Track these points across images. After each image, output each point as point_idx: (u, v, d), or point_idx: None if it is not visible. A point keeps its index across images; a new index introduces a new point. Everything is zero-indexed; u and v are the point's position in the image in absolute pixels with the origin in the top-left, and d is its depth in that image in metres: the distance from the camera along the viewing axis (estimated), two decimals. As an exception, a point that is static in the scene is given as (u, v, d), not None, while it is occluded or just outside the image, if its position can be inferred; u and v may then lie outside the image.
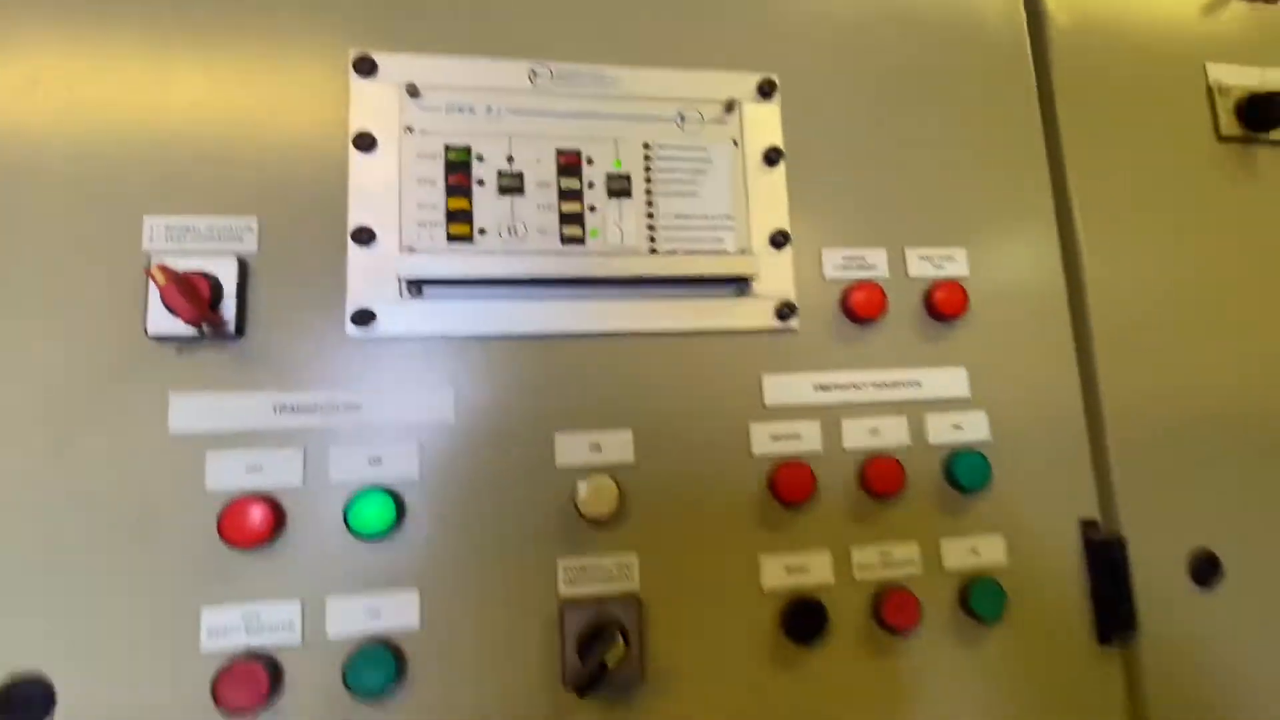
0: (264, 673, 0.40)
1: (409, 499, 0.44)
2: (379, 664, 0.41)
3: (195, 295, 0.40)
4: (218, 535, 0.41)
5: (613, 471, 0.47)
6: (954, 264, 0.55)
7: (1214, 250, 0.62)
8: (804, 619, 0.48)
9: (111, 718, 0.39)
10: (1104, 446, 0.56)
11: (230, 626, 0.41)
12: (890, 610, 0.49)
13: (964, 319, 0.55)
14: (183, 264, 0.42)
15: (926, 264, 0.55)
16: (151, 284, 0.40)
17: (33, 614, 0.40)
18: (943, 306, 0.54)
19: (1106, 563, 0.54)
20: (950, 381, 0.54)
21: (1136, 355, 0.58)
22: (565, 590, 0.46)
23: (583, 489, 0.46)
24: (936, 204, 0.56)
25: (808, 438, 0.51)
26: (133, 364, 0.42)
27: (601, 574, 0.46)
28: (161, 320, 0.41)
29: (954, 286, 0.54)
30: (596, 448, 0.48)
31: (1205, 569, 0.56)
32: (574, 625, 0.45)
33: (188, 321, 0.40)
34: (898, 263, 0.54)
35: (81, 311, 0.42)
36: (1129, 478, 0.56)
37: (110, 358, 0.42)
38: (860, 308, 0.52)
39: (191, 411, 0.42)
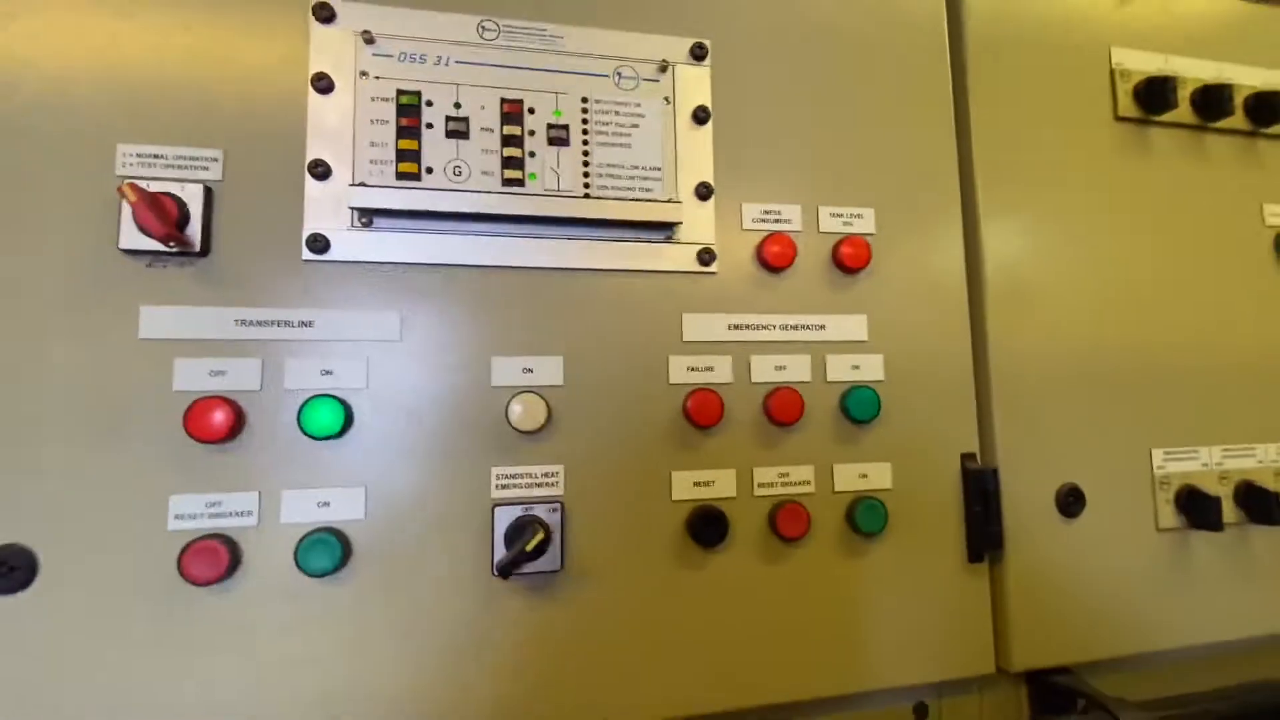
0: (224, 550, 0.46)
1: (357, 407, 0.50)
2: (327, 549, 0.47)
3: (163, 212, 0.44)
4: (184, 431, 0.46)
5: (543, 392, 0.53)
6: (862, 221, 0.61)
7: (1105, 220, 0.68)
8: (707, 525, 0.54)
9: (88, 584, 0.45)
10: (987, 391, 0.63)
11: (195, 512, 0.47)
12: (783, 521, 0.56)
13: (867, 271, 0.61)
14: (153, 188, 0.47)
15: (836, 220, 0.61)
16: (124, 203, 0.45)
17: (19, 494, 0.45)
18: (848, 260, 0.60)
19: (980, 491, 0.61)
20: (852, 327, 0.60)
21: (1023, 313, 0.64)
22: (497, 494, 0.52)
23: (515, 406, 0.52)
24: (850, 166, 0.62)
25: (720, 371, 0.57)
26: (106, 277, 0.47)
27: (530, 481, 0.53)
28: (133, 236, 0.46)
29: (860, 242, 0.60)
30: (529, 370, 0.53)
31: (1071, 501, 0.64)
32: (503, 522, 0.51)
33: (157, 238, 0.45)
34: (810, 218, 0.60)
35: (59, 229, 0.47)
36: (1007, 419, 0.63)
37: (85, 270, 0.47)
38: (773, 257, 0.58)
39: (160, 321, 0.47)
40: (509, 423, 0.52)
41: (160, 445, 0.47)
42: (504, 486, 0.52)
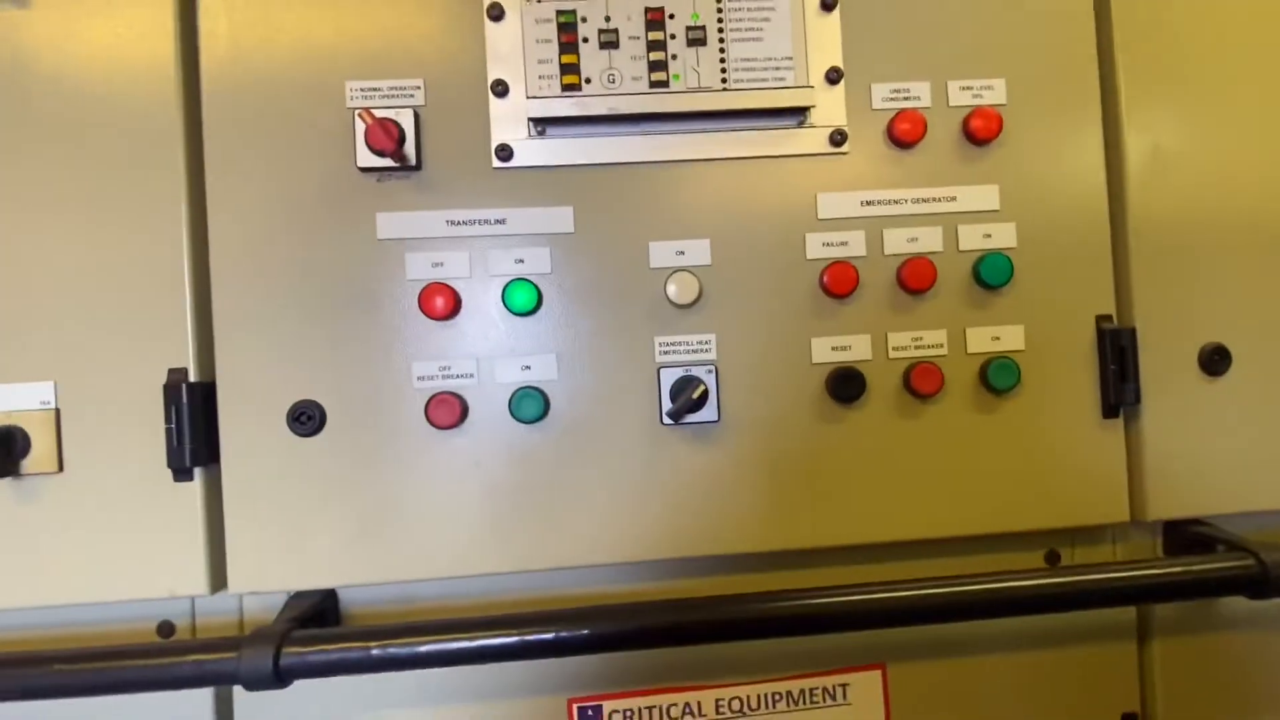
0: (457, 403, 0.58)
1: (545, 289, 0.60)
2: (533, 401, 0.59)
3: (390, 133, 0.55)
4: (419, 310, 0.58)
5: (694, 271, 0.61)
6: (992, 93, 0.63)
7: (1252, 86, 0.65)
8: (845, 383, 0.61)
9: (362, 428, 0.59)
10: (1124, 254, 0.64)
11: (431, 374, 0.59)
12: (918, 379, 0.61)
13: (998, 142, 0.63)
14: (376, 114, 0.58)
15: (966, 93, 0.63)
16: (359, 125, 0.56)
17: (310, 361, 0.59)
18: (979, 132, 0.62)
19: (1116, 349, 0.63)
20: (983, 197, 0.63)
21: (1164, 176, 0.64)
22: (661, 359, 0.61)
23: (671, 285, 0.60)
24: (978, 38, 0.63)
25: (854, 245, 0.62)
26: (349, 191, 0.59)
27: (687, 348, 0.61)
28: (366, 156, 0.58)
29: (990, 113, 0.62)
30: (681, 253, 0.61)
31: (1216, 360, 0.65)
32: (667, 381, 0.60)
33: (387, 155, 0.56)
34: (939, 93, 0.63)
35: (310, 154, 0.59)
36: (1146, 281, 0.64)
37: (333, 186, 0.59)
38: (903, 134, 0.62)
39: (391, 224, 0.59)
40: (667, 299, 0.60)
41: (402, 321, 0.59)
42: (666, 353, 0.61)
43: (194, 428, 0.58)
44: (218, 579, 0.59)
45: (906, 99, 0.63)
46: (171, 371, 0.59)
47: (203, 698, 0.60)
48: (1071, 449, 0.64)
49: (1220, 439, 0.64)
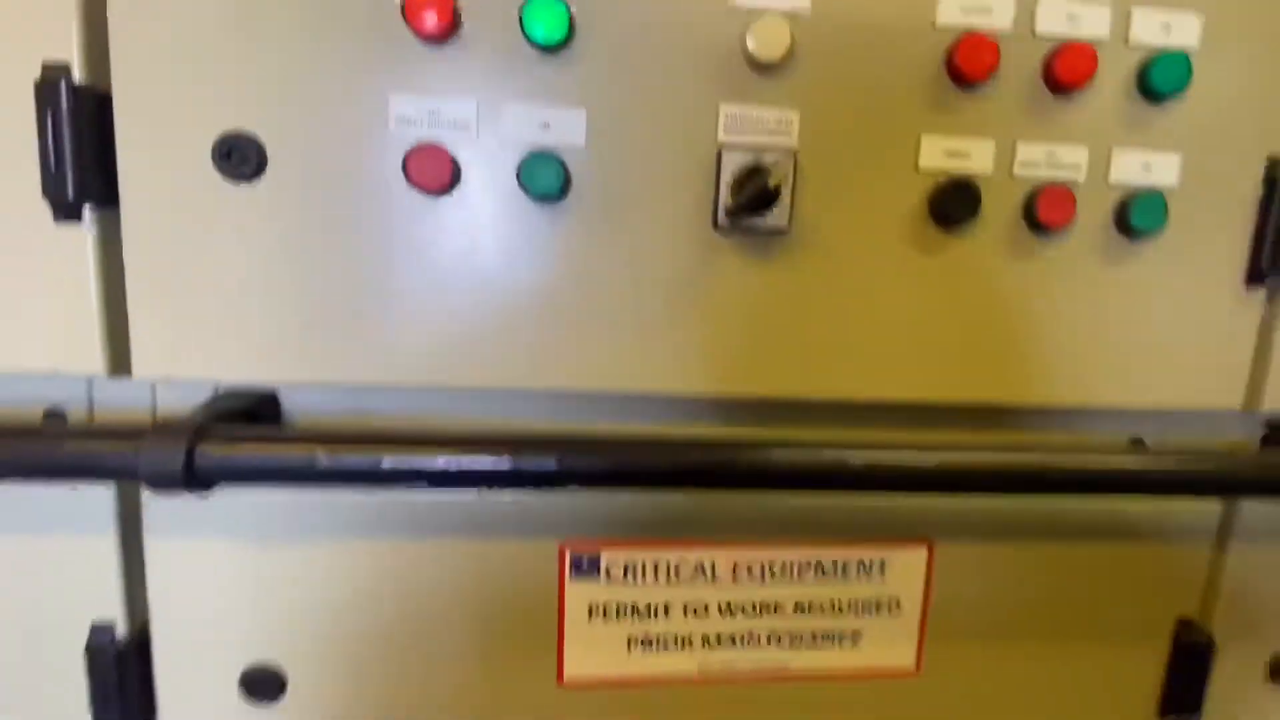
0: (447, 159, 0.43)
1: (581, 12, 0.43)
2: (551, 170, 0.44)
3: None
4: (402, 19, 0.41)
5: (788, 15, 0.45)
6: None
7: None
8: (957, 201, 0.47)
9: (313, 176, 0.44)
10: (1326, 79, 0.50)
11: (415, 117, 0.43)
12: (1045, 204, 0.48)
13: (1215, -108, 0.46)
14: None
15: None
16: None
17: (242, 81, 0.42)
18: None
19: (1285, 201, 0.51)
20: (1175, -27, 0.47)
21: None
22: (724, 137, 0.46)
23: (754, 32, 0.44)
24: None
25: (999, 13, 0.46)
26: None
27: (761, 125, 0.46)
28: None
29: None
30: (772, -9, 0.45)
31: (1386, 234, 0.53)
32: (730, 168, 0.46)
33: None
34: None
35: None
36: (1343, 118, 0.50)
37: None
38: None
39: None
40: (744, 52, 0.44)
41: (378, 31, 0.42)
42: (732, 129, 0.46)
43: (79, 147, 0.42)
44: (118, 359, 0.46)
45: None
46: (47, 67, 0.42)
47: (102, 500, 0.48)
48: (1201, 317, 0.52)
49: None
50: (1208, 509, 0.56)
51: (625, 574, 0.51)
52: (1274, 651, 0.59)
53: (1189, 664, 0.58)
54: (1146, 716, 0.59)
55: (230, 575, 0.49)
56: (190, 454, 0.39)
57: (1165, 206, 0.49)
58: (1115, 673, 0.58)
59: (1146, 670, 0.58)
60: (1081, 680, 0.57)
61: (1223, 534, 0.56)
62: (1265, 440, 0.58)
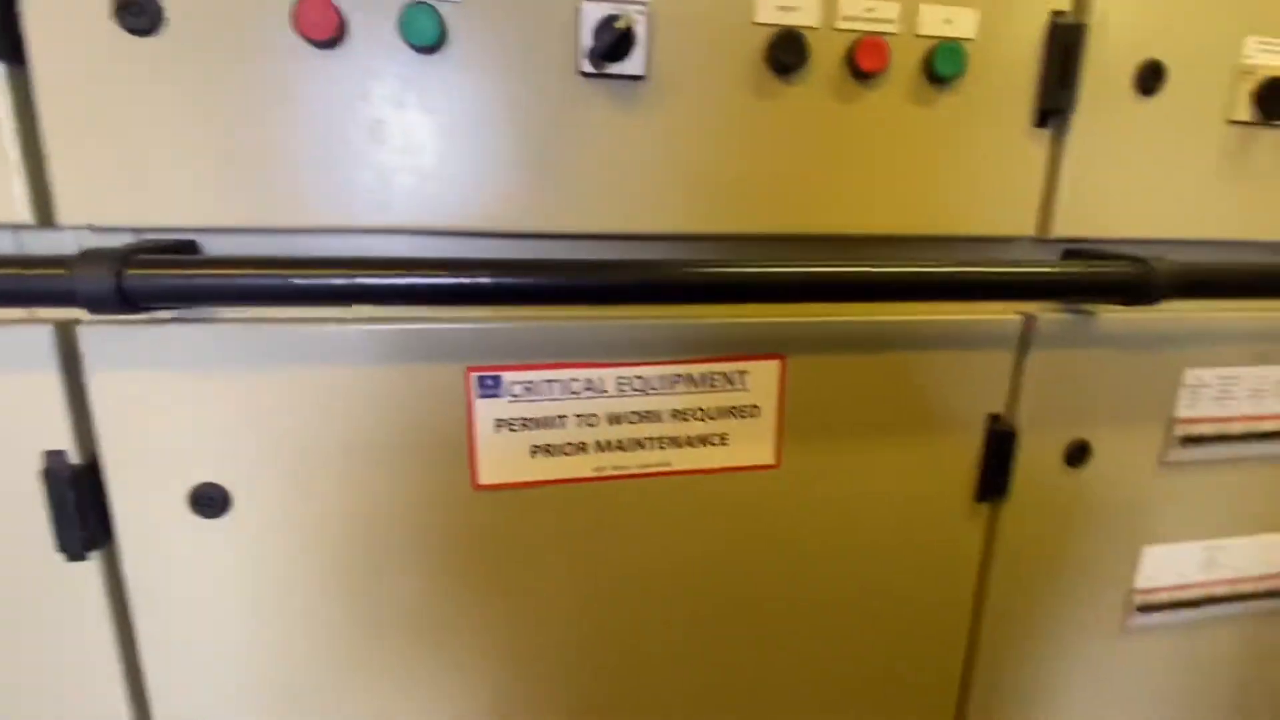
0: (333, 9, 0.48)
1: (444, -126, 0.49)
2: (427, 19, 0.49)
3: None
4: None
5: (631, -118, 0.51)
6: None
7: None
8: (787, 49, 0.55)
9: (208, 30, 0.48)
10: (1096, -58, 0.59)
11: (298, -28, 0.48)
12: (863, 53, 0.56)
13: None
14: None
15: None
16: None
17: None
18: None
19: (1062, 48, 0.60)
20: None
21: None
22: None
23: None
24: None
25: (818, -122, 0.54)
26: None
27: (616, -18, 0.53)
28: None
29: None
30: None
31: (1148, 76, 0.63)
32: (590, 19, 0.52)
33: None
34: None
35: None
36: (1110, -23, 0.60)
37: None
38: None
39: None
40: (597, -85, 0.51)
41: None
42: (592, -14, 0.52)
43: (-25, -4, 0.46)
44: (43, 210, 0.50)
45: None
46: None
47: (41, 338, 0.53)
48: (997, 155, 0.62)
49: (1136, 164, 0.65)
50: (1011, 319, 0.68)
51: (526, 391, 0.60)
52: (1069, 439, 0.73)
53: (997, 453, 0.71)
54: (965, 501, 0.72)
55: (170, 403, 0.55)
56: (120, 275, 0.45)
57: (964, 55, 0.58)
58: (938, 464, 0.70)
59: (964, 461, 0.71)
60: (911, 471, 0.70)
61: (1024, 340, 0.68)
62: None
